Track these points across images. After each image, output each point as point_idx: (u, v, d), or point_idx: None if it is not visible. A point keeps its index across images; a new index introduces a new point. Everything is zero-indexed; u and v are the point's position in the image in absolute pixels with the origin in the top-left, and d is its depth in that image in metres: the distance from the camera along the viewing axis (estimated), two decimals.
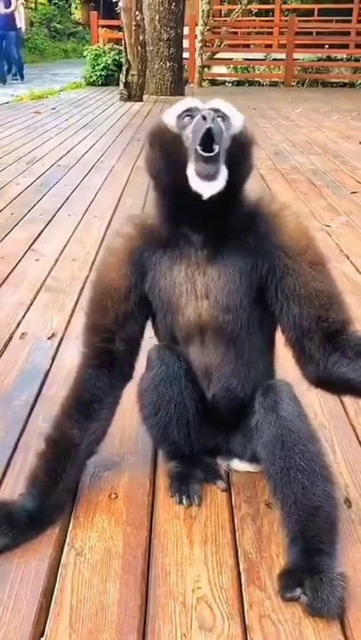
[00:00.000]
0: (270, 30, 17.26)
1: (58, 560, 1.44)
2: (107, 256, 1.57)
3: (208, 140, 1.32)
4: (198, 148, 1.33)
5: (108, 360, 1.56)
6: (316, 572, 1.33)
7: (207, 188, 1.35)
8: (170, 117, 1.42)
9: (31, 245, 3.65)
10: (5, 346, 2.44)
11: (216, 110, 1.39)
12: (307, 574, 1.33)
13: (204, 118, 1.33)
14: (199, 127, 1.34)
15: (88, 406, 1.56)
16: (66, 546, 1.48)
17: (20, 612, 1.30)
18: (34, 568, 1.41)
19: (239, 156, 1.40)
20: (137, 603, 1.33)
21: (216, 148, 1.33)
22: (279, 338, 1.57)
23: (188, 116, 1.39)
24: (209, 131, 1.31)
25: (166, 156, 1.41)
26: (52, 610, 1.31)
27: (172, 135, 1.40)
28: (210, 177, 1.35)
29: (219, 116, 1.38)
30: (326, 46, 15.42)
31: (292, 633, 1.26)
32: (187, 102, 1.43)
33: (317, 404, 2.02)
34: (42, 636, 1.26)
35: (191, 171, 1.36)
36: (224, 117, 1.40)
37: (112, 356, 1.56)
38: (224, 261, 1.46)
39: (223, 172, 1.36)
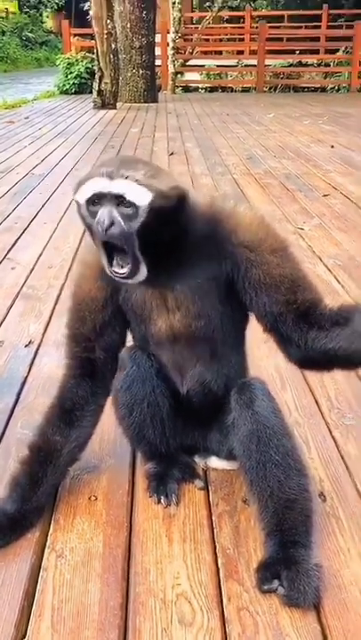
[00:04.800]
0: (241, 37, 17.46)
1: (39, 562, 1.45)
2: (82, 268, 1.60)
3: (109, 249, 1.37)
4: (106, 263, 1.39)
5: (89, 369, 1.60)
6: (293, 564, 1.36)
7: (128, 282, 1.42)
8: (81, 198, 1.36)
9: (7, 254, 3.65)
10: None
11: (119, 197, 1.32)
12: (284, 566, 1.36)
13: (100, 227, 1.32)
14: (99, 235, 1.34)
15: (70, 414, 1.59)
16: (46, 548, 1.49)
17: (1, 615, 1.31)
18: (15, 571, 1.42)
19: (158, 230, 1.35)
20: (118, 601, 1.35)
21: (126, 268, 1.37)
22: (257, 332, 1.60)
23: (95, 202, 1.35)
24: (106, 244, 1.36)
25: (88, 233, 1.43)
26: (33, 611, 1.33)
27: (84, 222, 1.39)
28: (125, 278, 1.41)
29: (122, 203, 1.32)
30: (297, 52, 15.64)
31: (269, 623, 1.29)
32: (94, 184, 1.34)
33: (291, 402, 2.06)
34: (24, 637, 1.27)
35: (107, 267, 1.40)
36: (130, 204, 1.32)
37: (93, 365, 1.59)
38: (190, 273, 1.47)
39: (139, 268, 1.38)
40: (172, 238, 1.40)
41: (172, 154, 6.79)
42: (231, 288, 1.49)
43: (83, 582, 1.40)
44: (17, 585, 1.39)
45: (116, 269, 1.39)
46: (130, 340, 1.65)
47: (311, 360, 1.52)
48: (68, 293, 1.66)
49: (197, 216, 1.44)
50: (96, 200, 1.34)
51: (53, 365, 2.30)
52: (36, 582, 1.40)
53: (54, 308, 2.84)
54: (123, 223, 1.32)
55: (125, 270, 1.39)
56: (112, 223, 1.32)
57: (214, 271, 1.47)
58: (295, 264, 1.50)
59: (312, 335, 1.46)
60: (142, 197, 1.31)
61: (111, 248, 1.38)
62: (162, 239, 1.38)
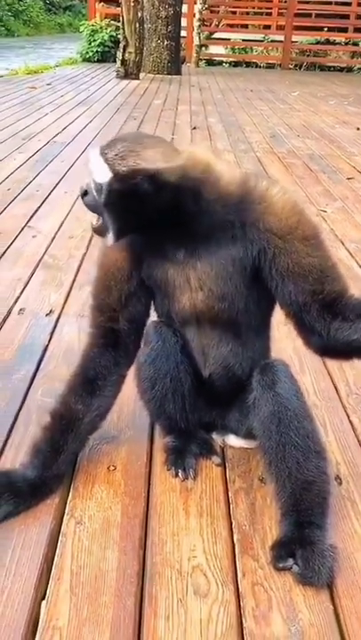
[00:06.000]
0: (269, 11, 17.06)
1: (58, 528, 1.48)
2: None
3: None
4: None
5: (113, 339, 1.60)
6: (308, 544, 1.38)
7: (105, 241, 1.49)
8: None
9: (28, 222, 3.65)
10: (4, 321, 2.46)
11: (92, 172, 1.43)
12: (299, 545, 1.39)
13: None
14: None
15: (93, 383, 1.61)
16: (65, 515, 1.52)
17: (22, 576, 1.35)
18: (35, 535, 1.45)
19: (126, 207, 1.40)
20: (135, 569, 1.38)
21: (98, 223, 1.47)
22: (277, 313, 1.60)
23: None
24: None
25: None
26: (52, 574, 1.36)
27: None
28: (99, 233, 1.49)
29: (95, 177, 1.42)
30: (325, 29, 15.31)
31: (283, 600, 1.32)
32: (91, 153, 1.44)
33: (310, 385, 2.07)
34: (43, 598, 1.30)
35: None
36: (96, 180, 1.42)
37: (117, 336, 1.60)
38: (213, 253, 1.46)
39: (108, 230, 1.44)
40: (163, 214, 1.41)
41: (194, 128, 6.72)
42: (257, 273, 1.48)
43: (101, 549, 1.43)
44: (36, 548, 1.42)
45: (93, 221, 1.49)
46: (155, 314, 1.66)
47: (332, 349, 1.52)
48: (89, 264, 1.68)
49: (221, 194, 1.42)
50: None
51: (74, 335, 2.32)
52: (55, 547, 1.43)
53: (75, 279, 2.84)
54: (95, 194, 1.42)
55: (96, 225, 1.48)
56: (86, 192, 1.45)
57: (239, 254, 1.45)
58: (325, 253, 1.47)
59: (335, 326, 1.45)
60: (102, 176, 1.39)
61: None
62: (138, 215, 1.41)
